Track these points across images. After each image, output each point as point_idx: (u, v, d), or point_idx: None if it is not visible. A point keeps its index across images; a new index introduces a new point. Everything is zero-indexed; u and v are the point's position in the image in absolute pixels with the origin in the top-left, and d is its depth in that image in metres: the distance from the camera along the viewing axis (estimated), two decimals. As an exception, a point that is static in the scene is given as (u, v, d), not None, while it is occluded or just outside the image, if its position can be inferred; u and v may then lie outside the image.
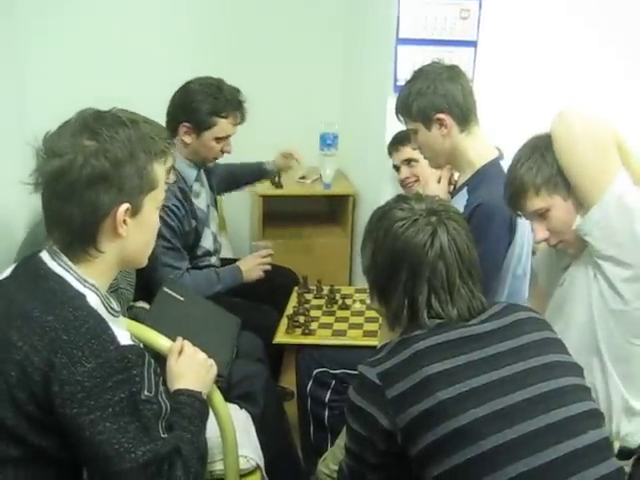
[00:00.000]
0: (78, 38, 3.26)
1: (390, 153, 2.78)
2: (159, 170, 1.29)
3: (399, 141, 2.68)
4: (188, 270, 2.39)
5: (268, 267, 2.56)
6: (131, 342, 1.21)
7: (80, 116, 1.23)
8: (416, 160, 2.60)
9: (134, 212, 1.24)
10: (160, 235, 2.09)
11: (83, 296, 1.20)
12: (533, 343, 1.28)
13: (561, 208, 1.57)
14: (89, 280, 1.23)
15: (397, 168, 2.76)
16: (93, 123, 1.20)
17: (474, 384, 1.19)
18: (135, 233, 1.26)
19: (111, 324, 1.19)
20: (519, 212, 1.67)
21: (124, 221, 1.22)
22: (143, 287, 2.02)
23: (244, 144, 3.53)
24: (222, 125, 2.38)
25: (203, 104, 2.34)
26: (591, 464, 1.16)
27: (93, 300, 1.22)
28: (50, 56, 3.13)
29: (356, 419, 1.26)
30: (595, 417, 1.24)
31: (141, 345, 1.30)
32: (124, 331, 1.25)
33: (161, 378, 1.26)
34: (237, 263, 2.57)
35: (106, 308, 1.25)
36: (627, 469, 1.55)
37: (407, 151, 2.64)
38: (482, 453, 1.13)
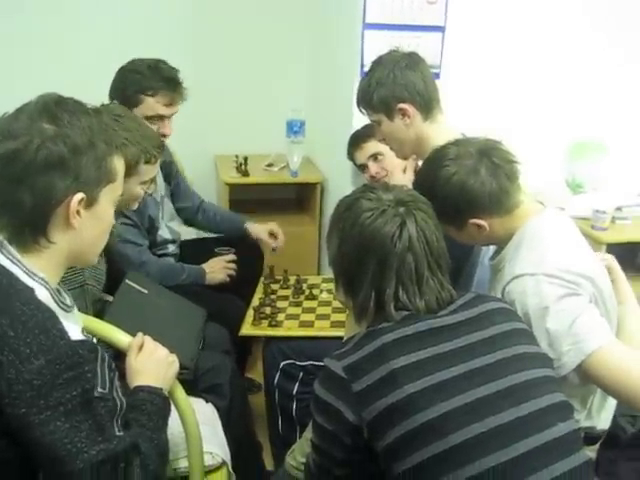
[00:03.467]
0: (40, 28, 3.22)
1: (351, 154, 2.64)
2: (119, 164, 1.25)
3: (360, 139, 2.57)
4: (150, 250, 2.39)
5: (232, 272, 2.55)
6: (83, 337, 1.17)
7: (41, 99, 1.18)
8: (382, 153, 2.50)
9: (89, 203, 1.19)
10: (120, 213, 2.05)
11: (31, 290, 1.15)
12: (502, 334, 1.27)
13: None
14: (38, 274, 1.18)
15: (363, 167, 2.62)
16: (54, 107, 1.16)
17: (442, 377, 1.17)
18: (88, 226, 1.21)
19: (62, 319, 1.14)
20: None
21: (77, 212, 1.17)
22: (108, 282, 1.97)
23: (210, 131, 3.51)
24: (149, 103, 2.30)
25: (129, 82, 2.29)
26: (560, 457, 1.16)
27: (42, 294, 1.16)
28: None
29: (322, 413, 1.23)
30: (564, 409, 1.23)
31: (94, 339, 1.25)
32: (76, 325, 1.20)
33: (117, 374, 1.22)
34: (202, 265, 2.55)
35: (57, 302, 1.20)
36: (592, 454, 1.55)
37: (371, 146, 2.52)
38: (451, 447, 1.12)
